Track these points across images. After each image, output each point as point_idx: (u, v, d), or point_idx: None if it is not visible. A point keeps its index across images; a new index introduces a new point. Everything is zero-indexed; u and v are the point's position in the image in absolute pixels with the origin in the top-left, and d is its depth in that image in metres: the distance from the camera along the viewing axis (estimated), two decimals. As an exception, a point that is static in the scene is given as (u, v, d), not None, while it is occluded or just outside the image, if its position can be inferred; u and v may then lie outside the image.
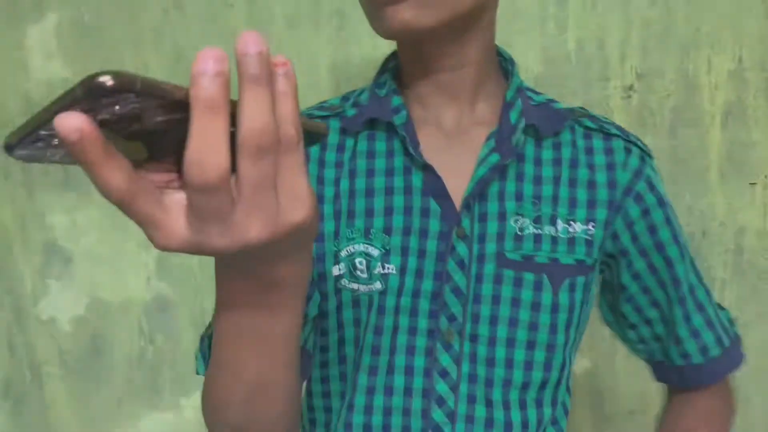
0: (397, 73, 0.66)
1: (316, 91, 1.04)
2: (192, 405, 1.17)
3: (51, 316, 1.16)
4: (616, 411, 1.15)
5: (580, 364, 1.13)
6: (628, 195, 0.63)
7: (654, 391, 1.14)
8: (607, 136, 0.65)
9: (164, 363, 1.16)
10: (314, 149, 0.64)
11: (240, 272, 0.37)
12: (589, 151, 0.64)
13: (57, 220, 1.11)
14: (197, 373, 0.62)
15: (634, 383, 1.14)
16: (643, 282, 0.67)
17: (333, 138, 0.64)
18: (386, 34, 0.56)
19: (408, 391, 0.61)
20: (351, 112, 0.64)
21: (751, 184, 1.06)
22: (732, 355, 0.69)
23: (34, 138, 0.27)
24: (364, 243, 0.60)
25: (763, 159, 1.05)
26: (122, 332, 1.15)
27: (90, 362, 1.17)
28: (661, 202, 0.64)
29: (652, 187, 0.64)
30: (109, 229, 1.11)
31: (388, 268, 0.60)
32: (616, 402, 1.15)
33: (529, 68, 1.02)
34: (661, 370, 0.71)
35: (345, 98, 0.68)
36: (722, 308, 0.72)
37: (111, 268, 1.13)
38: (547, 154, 0.63)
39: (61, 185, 1.09)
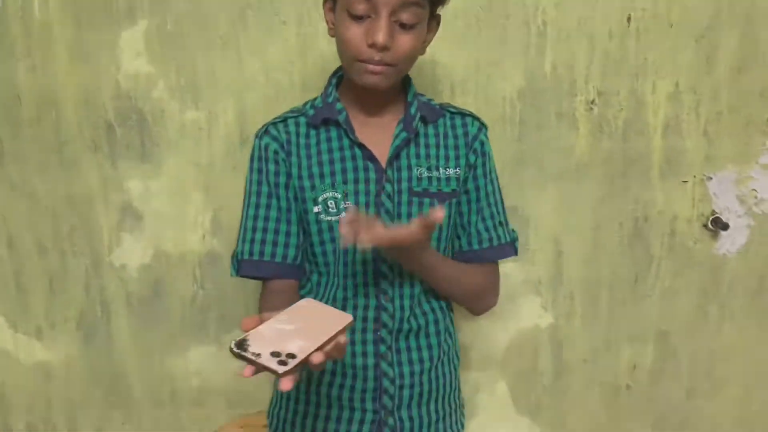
0: (339, 83, 1.03)
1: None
2: (232, 339, 1.43)
3: (122, 264, 1.42)
4: (572, 358, 1.44)
5: (544, 319, 1.42)
6: (469, 149, 1.03)
7: (602, 343, 1.43)
8: (463, 115, 1.05)
9: (211, 306, 1.44)
10: (296, 134, 1.00)
11: None
12: (453, 126, 1.04)
13: (133, 185, 1.38)
14: (231, 275, 1.00)
15: (587, 337, 1.43)
16: (468, 194, 1.03)
17: (303, 129, 1.01)
18: (360, 84, 0.93)
19: (363, 268, 0.98)
20: (311, 112, 1.01)
21: (683, 181, 1.36)
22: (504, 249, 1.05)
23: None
24: (331, 191, 0.97)
25: (693, 163, 1.35)
26: (179, 279, 1.42)
27: (151, 303, 1.44)
28: (483, 154, 1.03)
29: (482, 144, 1.03)
30: (174, 195, 1.39)
31: (347, 203, 0.97)
32: (573, 351, 1.44)
33: (515, 82, 1.31)
34: (461, 253, 1.05)
35: (306, 103, 1.04)
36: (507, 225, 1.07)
37: (174, 226, 1.40)
38: (431, 131, 1.02)
39: (139, 158, 1.37)
